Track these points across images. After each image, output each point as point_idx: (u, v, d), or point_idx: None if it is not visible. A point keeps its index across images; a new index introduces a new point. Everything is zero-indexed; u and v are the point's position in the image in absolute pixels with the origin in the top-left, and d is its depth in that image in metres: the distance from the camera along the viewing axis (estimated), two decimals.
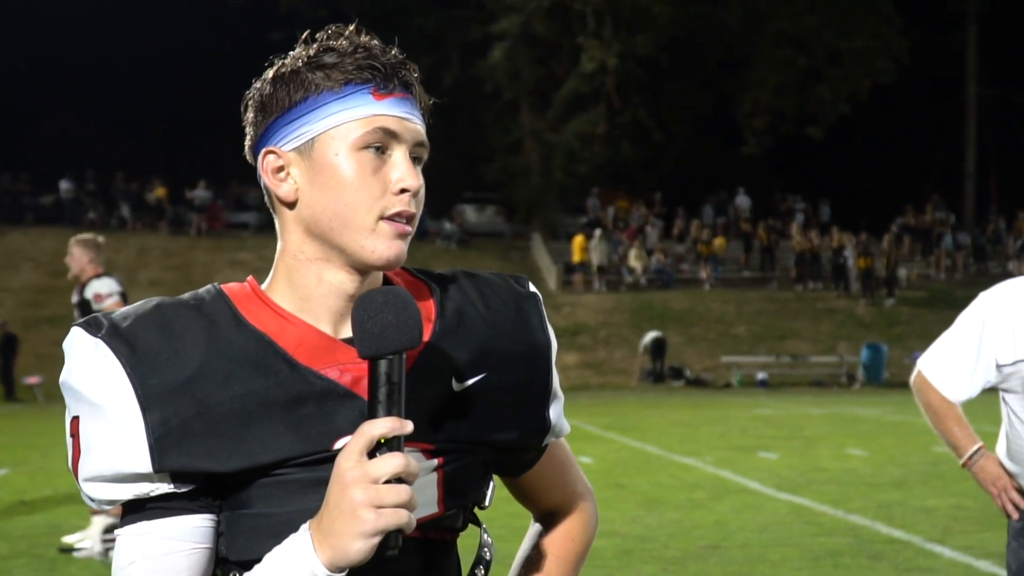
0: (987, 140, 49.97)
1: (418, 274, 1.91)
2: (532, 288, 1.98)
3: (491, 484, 1.94)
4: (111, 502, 1.73)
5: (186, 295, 1.80)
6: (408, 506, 1.56)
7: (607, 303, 37.86)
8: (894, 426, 20.58)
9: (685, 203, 45.21)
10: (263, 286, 1.83)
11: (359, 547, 1.55)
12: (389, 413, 1.59)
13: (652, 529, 10.00)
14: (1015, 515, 4.16)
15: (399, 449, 1.58)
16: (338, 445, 1.69)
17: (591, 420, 21.53)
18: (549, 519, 2.12)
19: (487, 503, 1.93)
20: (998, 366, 4.09)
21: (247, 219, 43.57)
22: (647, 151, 46.19)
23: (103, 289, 9.41)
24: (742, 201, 45.41)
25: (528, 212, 46.11)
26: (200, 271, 37.21)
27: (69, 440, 1.75)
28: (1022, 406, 4.08)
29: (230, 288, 1.82)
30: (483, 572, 1.93)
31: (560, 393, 1.98)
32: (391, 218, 1.75)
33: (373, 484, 1.54)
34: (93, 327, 1.72)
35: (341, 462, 1.57)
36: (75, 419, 1.73)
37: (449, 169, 46.83)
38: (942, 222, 43.44)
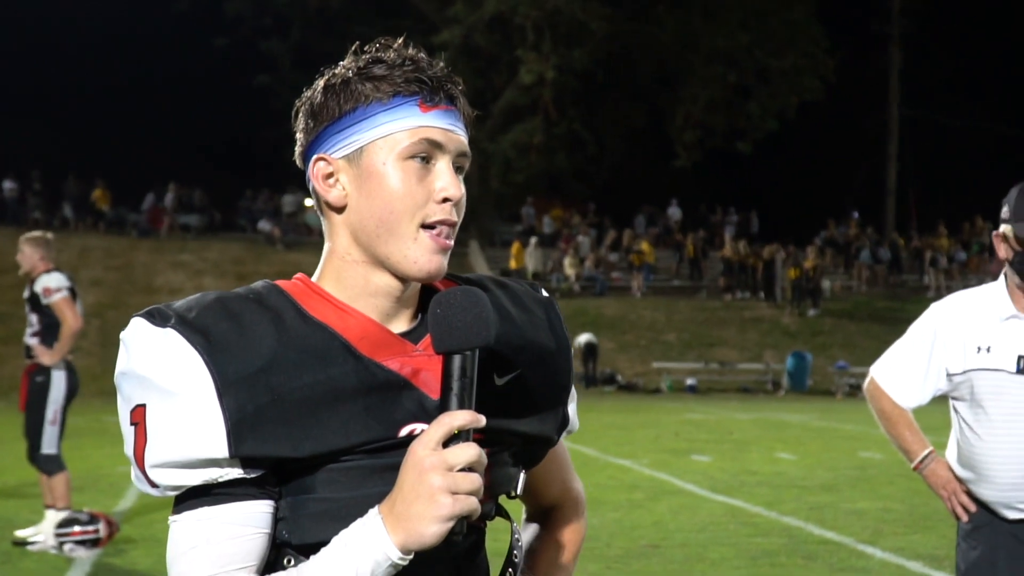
0: (908, 158, 51.13)
1: (452, 278, 1.97)
2: (546, 293, 2.06)
3: (522, 475, 1.99)
4: (177, 488, 1.74)
5: (240, 289, 1.84)
6: (478, 494, 1.62)
7: None
8: (820, 431, 20.98)
9: (618, 213, 45.79)
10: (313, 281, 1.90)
11: (434, 530, 1.60)
12: (462, 406, 1.66)
13: (594, 528, 10.02)
14: (964, 517, 4.20)
15: (469, 440, 1.64)
16: (402, 433, 1.75)
17: None
18: (547, 513, 2.23)
19: (519, 492, 1.98)
20: (948, 375, 4.17)
21: (189, 221, 43.61)
22: (582, 162, 46.68)
23: (52, 283, 9.47)
24: (674, 212, 46.17)
25: (465, 219, 46.46)
26: (141, 271, 37.28)
27: (130, 429, 1.74)
28: (971, 414, 4.14)
29: (284, 284, 1.86)
30: (517, 558, 2.00)
31: (574, 391, 2.07)
32: (433, 227, 1.80)
33: (450, 471, 1.60)
34: (159, 318, 1.75)
35: (418, 449, 1.62)
36: (139, 407, 1.73)
37: None
38: (862, 236, 44.48)
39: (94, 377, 29.41)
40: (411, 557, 1.63)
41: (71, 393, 9.68)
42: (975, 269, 41.65)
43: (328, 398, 1.73)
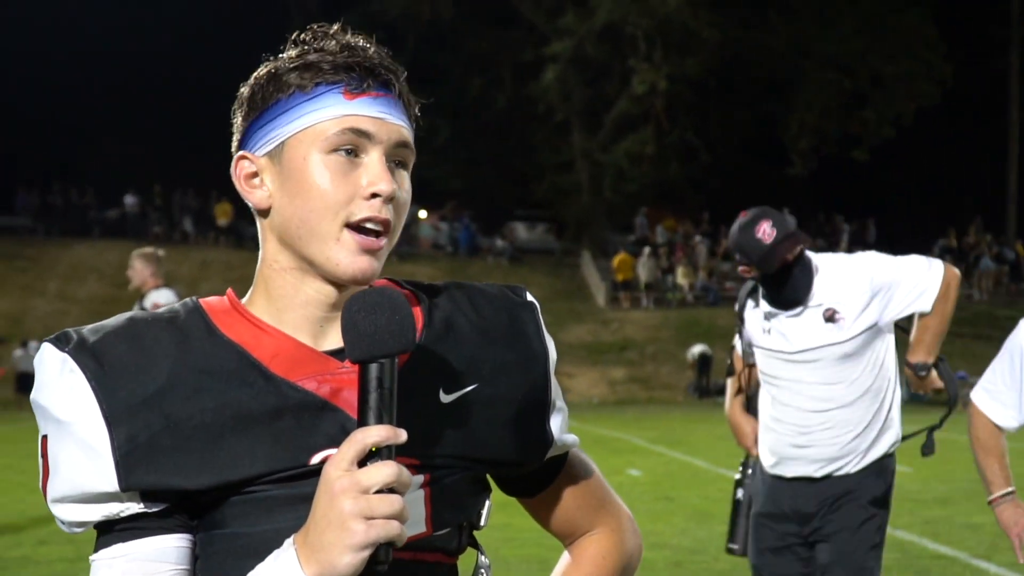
0: None
1: (405, 285, 1.80)
2: (529, 297, 1.85)
3: (487, 503, 1.81)
4: (81, 524, 1.64)
5: (163, 309, 1.72)
6: (400, 518, 1.47)
7: (654, 319, 38.30)
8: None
9: (731, 222, 45.57)
10: (244, 299, 1.74)
11: (348, 560, 1.45)
12: (380, 421, 1.50)
13: (702, 542, 9.95)
14: (1021, 559, 4.31)
15: (390, 459, 1.48)
16: (315, 460, 1.60)
17: (639, 434, 21.77)
18: (578, 544, 1.94)
19: (483, 523, 1.80)
20: None
21: None
22: (695, 171, 46.64)
23: (161, 299, 9.37)
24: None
25: (578, 230, 46.73)
26: None
27: (40, 461, 1.66)
28: None
29: (207, 301, 1.73)
30: None
31: (562, 404, 1.85)
32: (359, 226, 1.64)
33: (364, 494, 1.45)
34: (62, 342, 1.63)
35: (330, 471, 1.47)
36: (44, 438, 1.64)
37: (501, 187, 47.74)
38: (982, 244, 43.81)
39: None
40: None
41: None
42: None
43: (232, 423, 1.59)
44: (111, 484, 1.57)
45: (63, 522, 1.65)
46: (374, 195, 1.63)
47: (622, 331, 37.37)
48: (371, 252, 1.64)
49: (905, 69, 44.49)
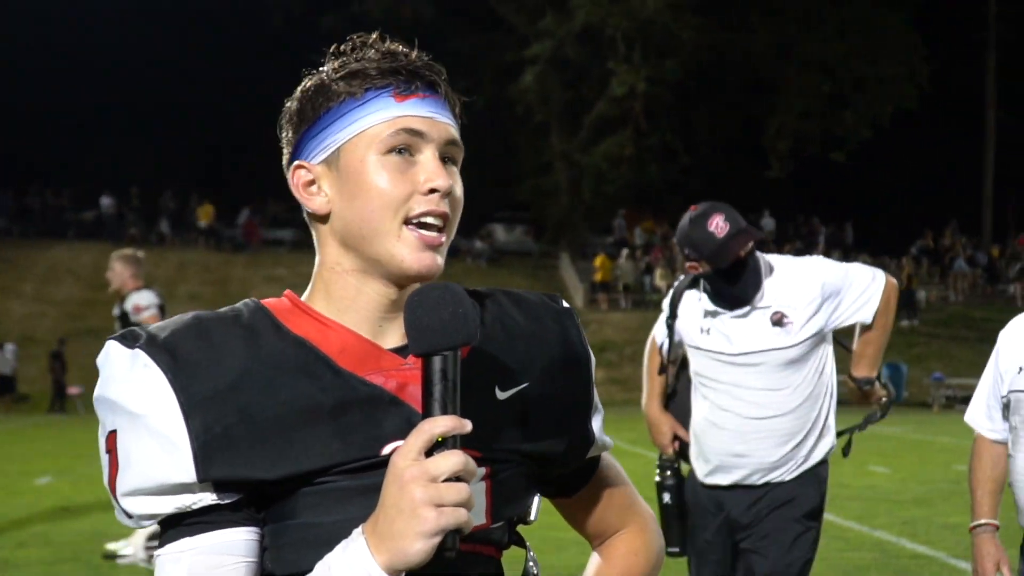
0: (1005, 165, 50.43)
1: None
2: (566, 304, 1.92)
3: (536, 498, 1.86)
4: (151, 517, 1.65)
5: (224, 309, 1.75)
6: (467, 505, 1.50)
7: (633, 321, 38.24)
8: (915, 444, 20.77)
9: None
10: (302, 298, 1.78)
11: (419, 547, 1.48)
12: (445, 411, 1.54)
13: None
14: None
15: (456, 448, 1.52)
16: (385, 451, 1.63)
17: (618, 435, 21.60)
18: (608, 543, 2.02)
19: (532, 517, 1.84)
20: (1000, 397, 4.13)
21: (283, 236, 44.27)
22: (673, 173, 46.70)
23: (142, 301, 9.42)
24: (767, 223, 45.85)
25: (556, 231, 46.85)
26: (237, 286, 37.92)
27: (105, 457, 1.67)
28: (1012, 436, 4.12)
29: (268, 301, 1.77)
30: None
31: (600, 407, 1.94)
32: (419, 221, 1.69)
33: (433, 482, 1.48)
34: (129, 339, 1.67)
35: (398, 461, 1.50)
36: (112, 434, 1.66)
37: (480, 189, 47.65)
38: (958, 246, 44.05)
39: None
40: None
41: None
42: None
43: (304, 416, 1.63)
44: (188, 475, 1.59)
45: (130, 516, 1.66)
46: (432, 190, 1.68)
47: (601, 332, 37.41)
48: (433, 248, 1.69)
49: (884, 71, 44.80)
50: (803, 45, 44.78)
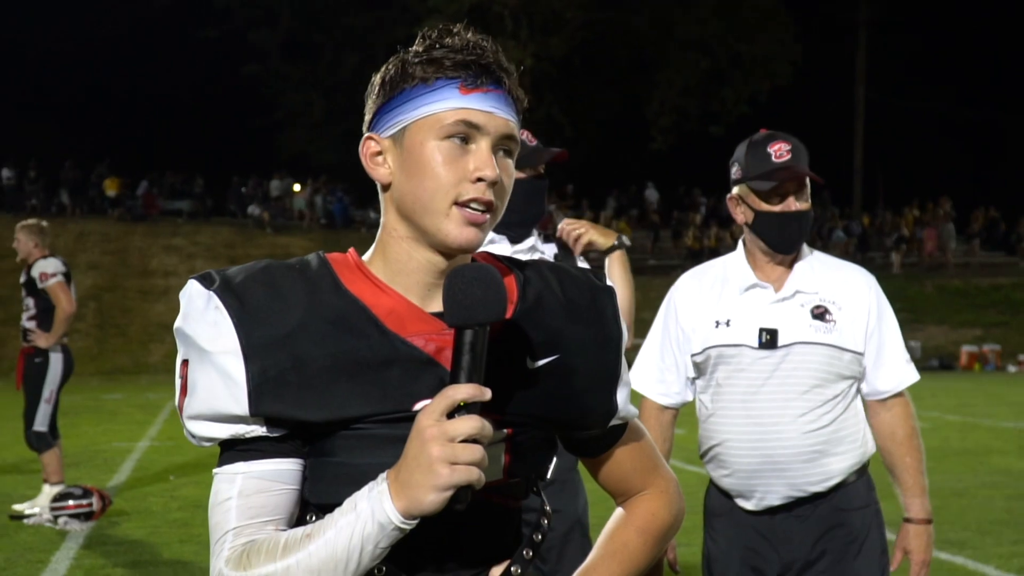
0: (874, 139, 52.27)
1: (503, 260, 1.95)
2: (609, 282, 1.99)
3: (553, 459, 1.98)
4: (210, 439, 1.80)
5: (293, 260, 1.86)
6: (480, 465, 1.61)
7: None
8: None
9: (596, 196, 46.81)
10: (364, 257, 1.90)
11: (432, 499, 1.60)
12: (470, 380, 1.65)
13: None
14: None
15: (476, 414, 1.63)
16: (417, 407, 1.73)
17: None
18: (631, 501, 2.11)
19: (548, 475, 1.98)
20: (691, 355, 3.93)
21: (181, 206, 44.06)
22: (560, 146, 47.18)
23: (48, 268, 9.57)
24: (650, 194, 47.23)
25: None
26: (136, 255, 37.83)
27: (178, 380, 1.83)
28: (708, 394, 3.92)
29: (333, 257, 1.88)
30: (539, 538, 1.94)
31: (628, 379, 2.01)
32: (465, 204, 1.79)
33: (450, 442, 1.59)
34: (207, 281, 1.80)
35: (422, 420, 1.62)
36: (185, 362, 1.81)
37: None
38: (835, 218, 45.38)
39: (92, 357, 30.48)
40: (415, 523, 1.65)
41: (67, 374, 9.90)
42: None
43: (348, 368, 1.76)
44: (242, 409, 1.75)
45: (193, 436, 1.83)
46: (479, 179, 1.80)
47: None
48: (476, 225, 1.81)
49: (760, 50, 46.30)
50: (683, 24, 46.08)
